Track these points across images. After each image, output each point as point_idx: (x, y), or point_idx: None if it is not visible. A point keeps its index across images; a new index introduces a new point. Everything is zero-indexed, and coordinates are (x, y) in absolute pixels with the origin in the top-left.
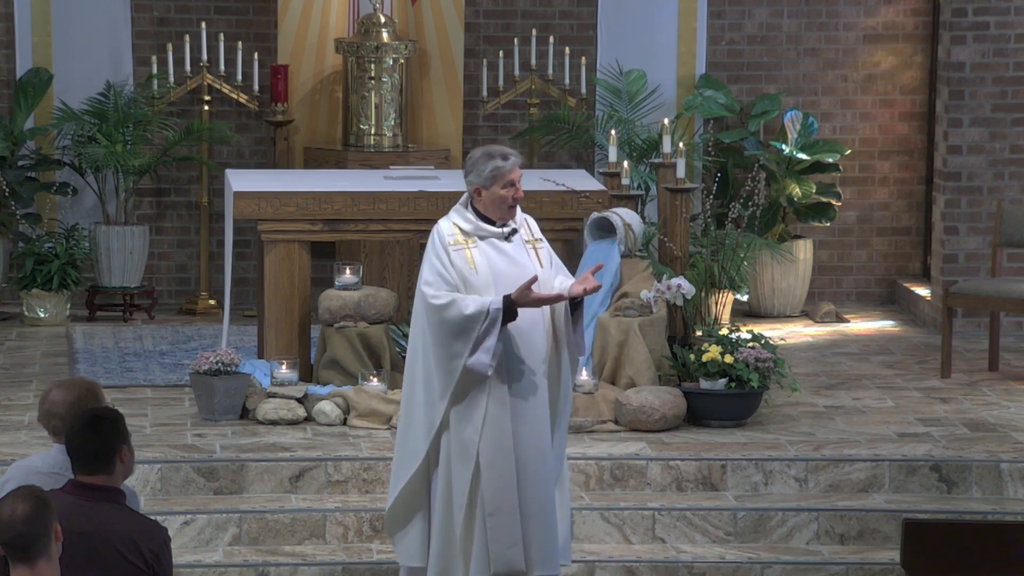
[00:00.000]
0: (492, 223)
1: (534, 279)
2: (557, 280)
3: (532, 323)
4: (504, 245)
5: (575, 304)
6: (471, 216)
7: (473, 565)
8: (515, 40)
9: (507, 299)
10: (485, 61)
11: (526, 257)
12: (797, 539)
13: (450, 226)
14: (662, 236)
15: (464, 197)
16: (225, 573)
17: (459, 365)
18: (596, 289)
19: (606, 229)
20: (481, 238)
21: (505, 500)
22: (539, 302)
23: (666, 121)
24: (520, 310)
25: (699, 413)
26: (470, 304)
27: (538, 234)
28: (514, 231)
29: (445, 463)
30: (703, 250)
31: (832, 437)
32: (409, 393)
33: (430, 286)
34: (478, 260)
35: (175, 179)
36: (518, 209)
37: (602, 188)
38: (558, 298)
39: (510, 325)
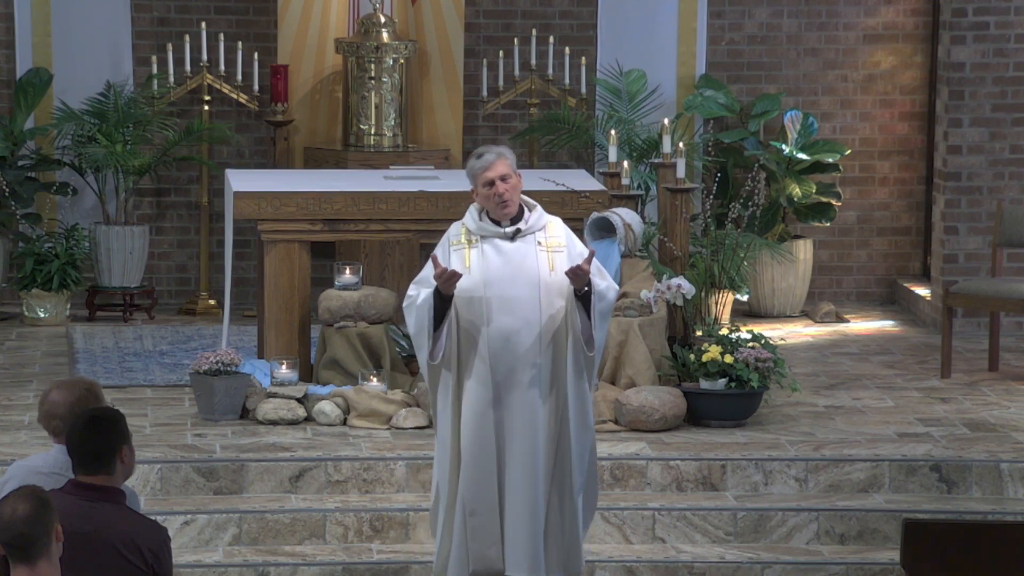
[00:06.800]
0: (498, 223)
1: (433, 261)
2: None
3: (525, 321)
4: (505, 245)
5: (583, 297)
6: (476, 215)
7: (452, 563)
8: (515, 40)
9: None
10: (485, 61)
11: (530, 258)
12: (797, 539)
13: (459, 226)
14: (662, 236)
15: None
16: (225, 573)
17: (425, 358)
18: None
19: (606, 229)
20: (483, 237)
21: (484, 499)
22: (442, 284)
23: (666, 121)
24: (512, 309)
25: (699, 413)
26: (422, 294)
27: (560, 238)
28: (518, 231)
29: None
30: (703, 250)
31: (832, 437)
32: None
33: (413, 286)
34: (473, 260)
35: (175, 179)
36: (539, 211)
37: (602, 188)
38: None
39: (499, 324)
